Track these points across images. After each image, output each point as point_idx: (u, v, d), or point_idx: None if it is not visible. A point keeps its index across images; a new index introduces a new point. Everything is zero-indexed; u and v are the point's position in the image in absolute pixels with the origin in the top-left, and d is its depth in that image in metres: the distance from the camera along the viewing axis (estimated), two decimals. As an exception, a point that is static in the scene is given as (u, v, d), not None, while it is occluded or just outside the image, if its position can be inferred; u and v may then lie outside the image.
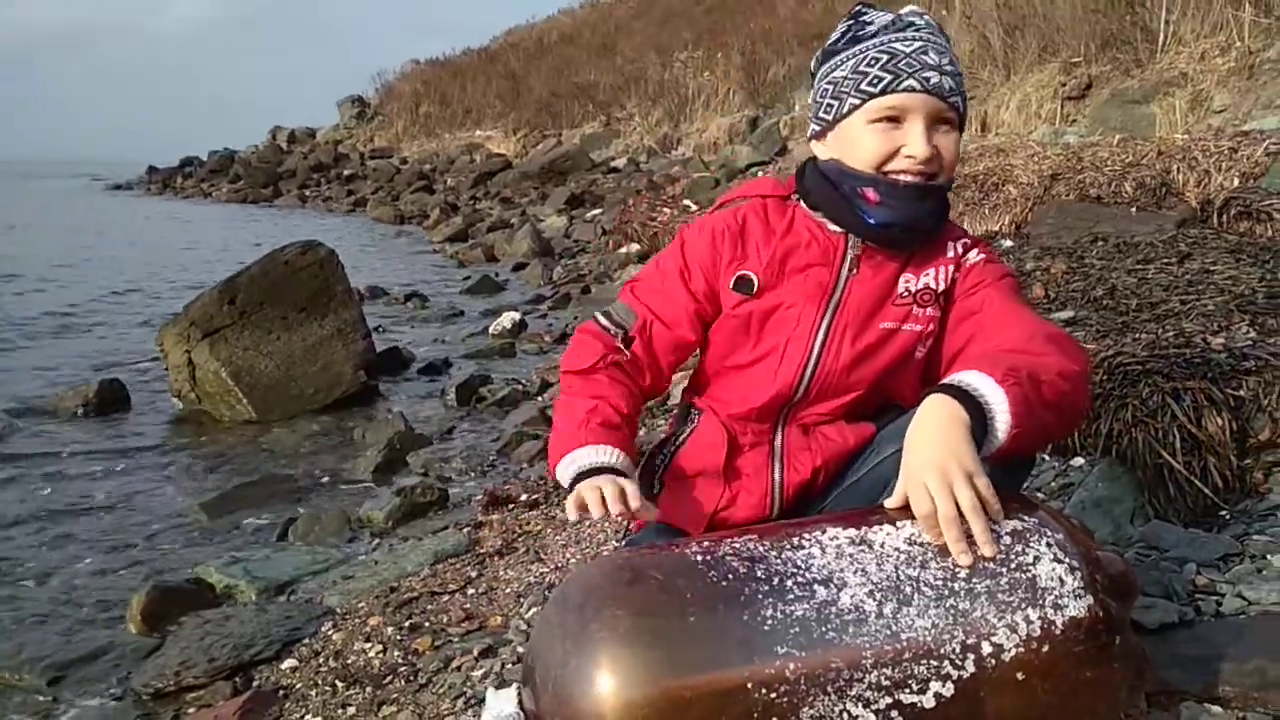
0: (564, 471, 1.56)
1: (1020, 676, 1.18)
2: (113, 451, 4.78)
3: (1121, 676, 1.25)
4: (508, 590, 2.65)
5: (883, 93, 1.53)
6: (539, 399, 5.07)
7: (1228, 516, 2.24)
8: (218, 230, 17.56)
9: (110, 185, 35.10)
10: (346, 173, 24.64)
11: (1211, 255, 3.80)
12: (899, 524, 1.28)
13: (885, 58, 1.53)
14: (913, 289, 1.62)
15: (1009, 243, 5.65)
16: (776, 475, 1.66)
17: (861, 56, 1.56)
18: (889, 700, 1.15)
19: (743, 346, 1.66)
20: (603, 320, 1.70)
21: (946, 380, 1.38)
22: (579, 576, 1.34)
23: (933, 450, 1.28)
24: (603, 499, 1.44)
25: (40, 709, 2.49)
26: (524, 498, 3.50)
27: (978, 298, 1.60)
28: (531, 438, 4.30)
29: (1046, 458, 2.76)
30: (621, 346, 1.66)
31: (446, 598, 2.66)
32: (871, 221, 1.57)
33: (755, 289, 1.62)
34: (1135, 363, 2.55)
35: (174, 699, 2.40)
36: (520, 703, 1.31)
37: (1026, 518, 1.30)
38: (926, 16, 1.60)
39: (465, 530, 3.26)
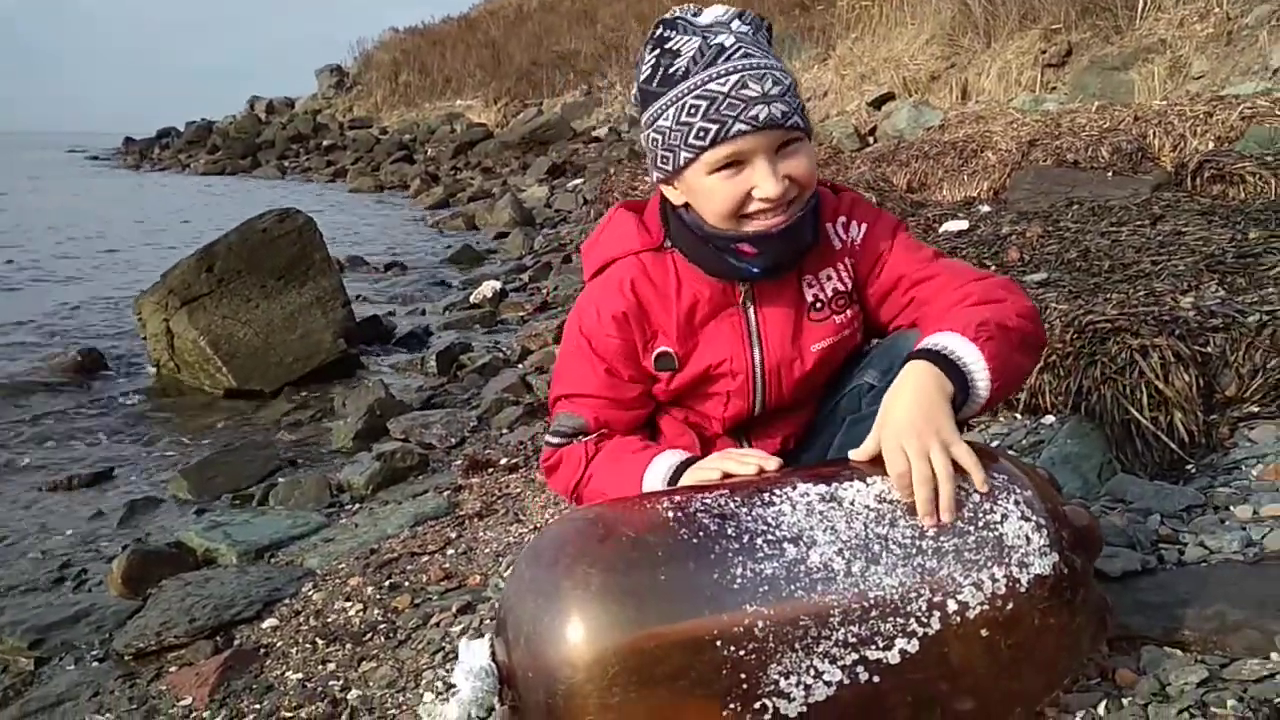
0: (652, 480, 1.53)
1: (984, 633, 1.21)
2: (92, 420, 4.78)
3: (1083, 627, 1.29)
4: (487, 550, 2.67)
5: (713, 144, 1.43)
6: (519, 366, 5.08)
7: (1194, 470, 2.29)
8: (194, 201, 17.41)
9: (88, 156, 34.72)
10: (326, 143, 24.48)
11: (1184, 217, 3.84)
12: (869, 480, 1.31)
13: (705, 104, 1.42)
14: (824, 297, 1.61)
15: (987, 208, 5.68)
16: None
17: (680, 104, 1.44)
18: (855, 656, 1.18)
19: (689, 399, 1.68)
20: (556, 440, 1.67)
21: (925, 345, 1.39)
22: (551, 532, 1.35)
23: (913, 415, 1.31)
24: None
25: (22, 672, 2.50)
26: (503, 461, 3.52)
27: (890, 268, 1.60)
28: (511, 404, 4.31)
29: (1019, 416, 2.81)
30: (593, 439, 1.64)
31: (426, 558, 2.68)
32: (755, 270, 1.54)
33: (678, 363, 1.62)
34: (1104, 321, 2.59)
35: (155, 658, 2.41)
36: (493, 654, 1.32)
37: (996, 475, 1.33)
38: (736, 22, 1.48)
39: (445, 494, 3.28)
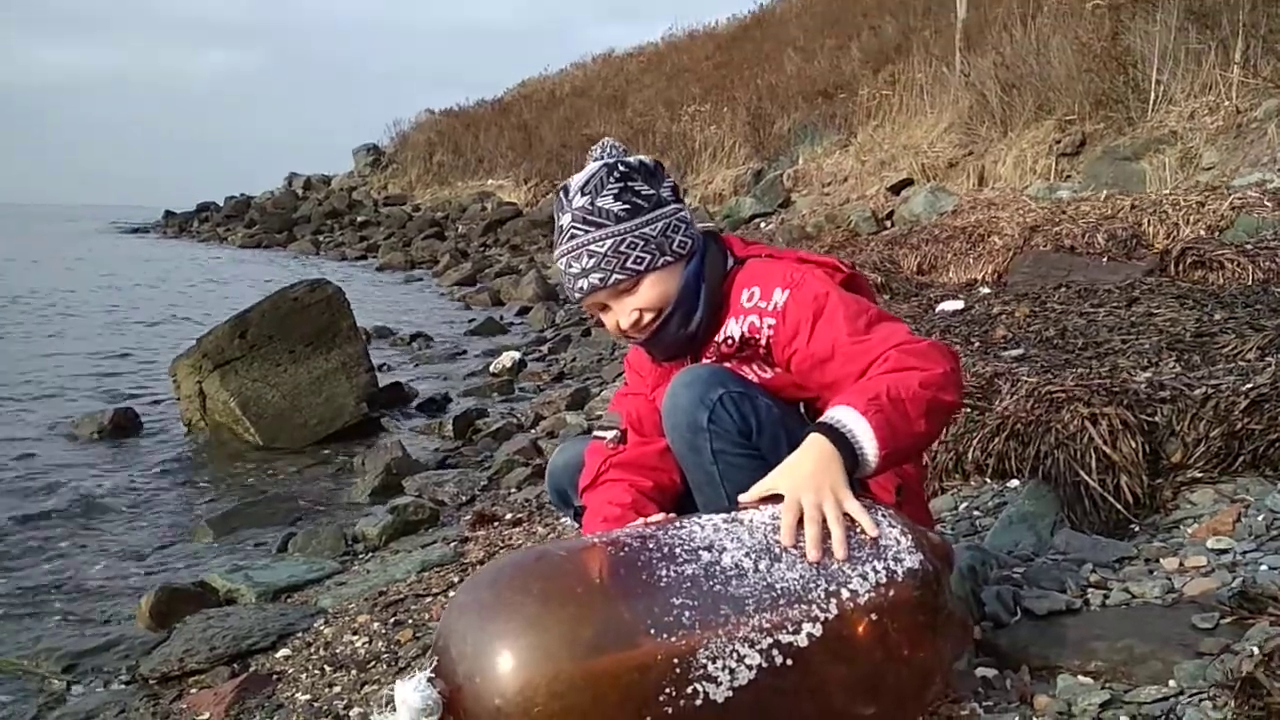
0: None
1: (874, 617, 1.42)
2: (125, 473, 5.05)
3: (950, 622, 1.52)
4: (486, 593, 2.87)
5: (575, 302, 1.92)
6: (532, 431, 5.32)
7: (1137, 529, 2.47)
8: (230, 271, 17.97)
9: (128, 229, 35.72)
10: (360, 219, 25.05)
11: (1159, 300, 4.05)
12: (762, 508, 1.55)
13: (561, 272, 1.88)
14: (724, 352, 1.85)
15: (987, 290, 5.91)
16: None
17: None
18: (770, 640, 1.38)
19: None
20: (598, 432, 2.01)
21: (823, 419, 1.63)
22: (489, 564, 1.58)
23: (812, 472, 1.55)
24: None
25: (55, 692, 2.73)
26: (508, 516, 3.73)
27: (820, 337, 1.73)
28: (521, 465, 4.54)
29: (987, 480, 3.00)
30: (615, 443, 1.95)
31: (430, 599, 2.89)
32: (662, 359, 1.92)
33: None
34: (1061, 392, 2.79)
35: (178, 682, 2.63)
36: (431, 683, 1.39)
37: (864, 500, 1.58)
38: (577, 195, 1.82)
39: (452, 544, 3.49)
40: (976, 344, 3.91)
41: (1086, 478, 2.55)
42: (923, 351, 1.67)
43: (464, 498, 4.28)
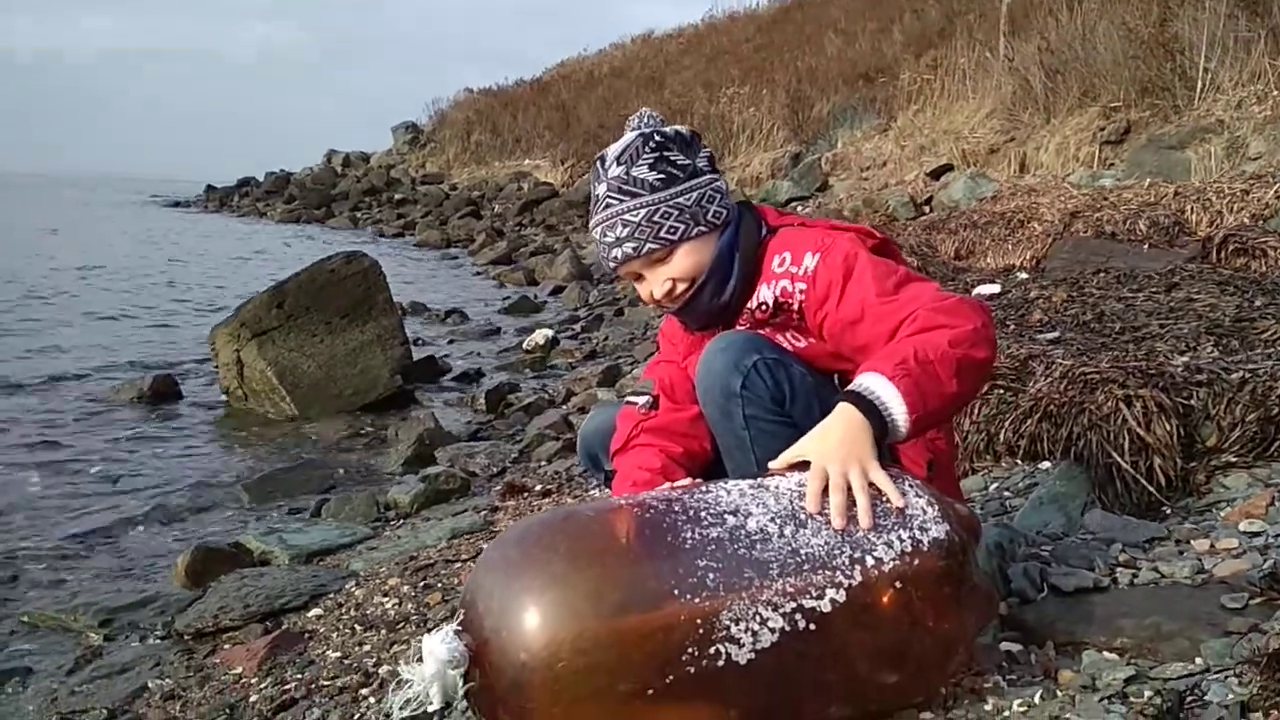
0: None
1: (898, 584, 1.43)
2: (164, 438, 5.14)
3: (974, 595, 1.52)
4: (514, 560, 2.91)
5: (610, 271, 1.94)
6: (563, 406, 5.35)
7: (1169, 512, 2.45)
8: (270, 243, 18.18)
9: (169, 202, 36.17)
10: (397, 196, 25.18)
11: (1198, 286, 4.00)
12: (788, 475, 1.56)
13: (596, 241, 1.91)
14: (758, 319, 1.85)
15: (1025, 275, 5.86)
16: None
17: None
18: (794, 605, 1.39)
19: None
20: (630, 397, 2.03)
21: (851, 386, 1.62)
22: (517, 522, 1.60)
23: (837, 444, 1.55)
24: None
25: (92, 645, 2.80)
26: (538, 488, 3.76)
27: (850, 300, 1.73)
28: (551, 439, 4.57)
29: (1019, 462, 2.98)
30: (647, 409, 1.96)
31: (459, 565, 2.92)
32: (694, 328, 1.94)
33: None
34: (1096, 374, 2.77)
35: (212, 638, 2.69)
36: (458, 636, 1.43)
37: (892, 469, 1.58)
38: (614, 165, 1.85)
39: (482, 513, 3.53)
40: (1012, 327, 3.88)
41: (1119, 459, 2.53)
42: (951, 308, 1.66)
43: (495, 469, 4.32)
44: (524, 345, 7.63)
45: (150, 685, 2.45)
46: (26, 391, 6.08)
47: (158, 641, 2.77)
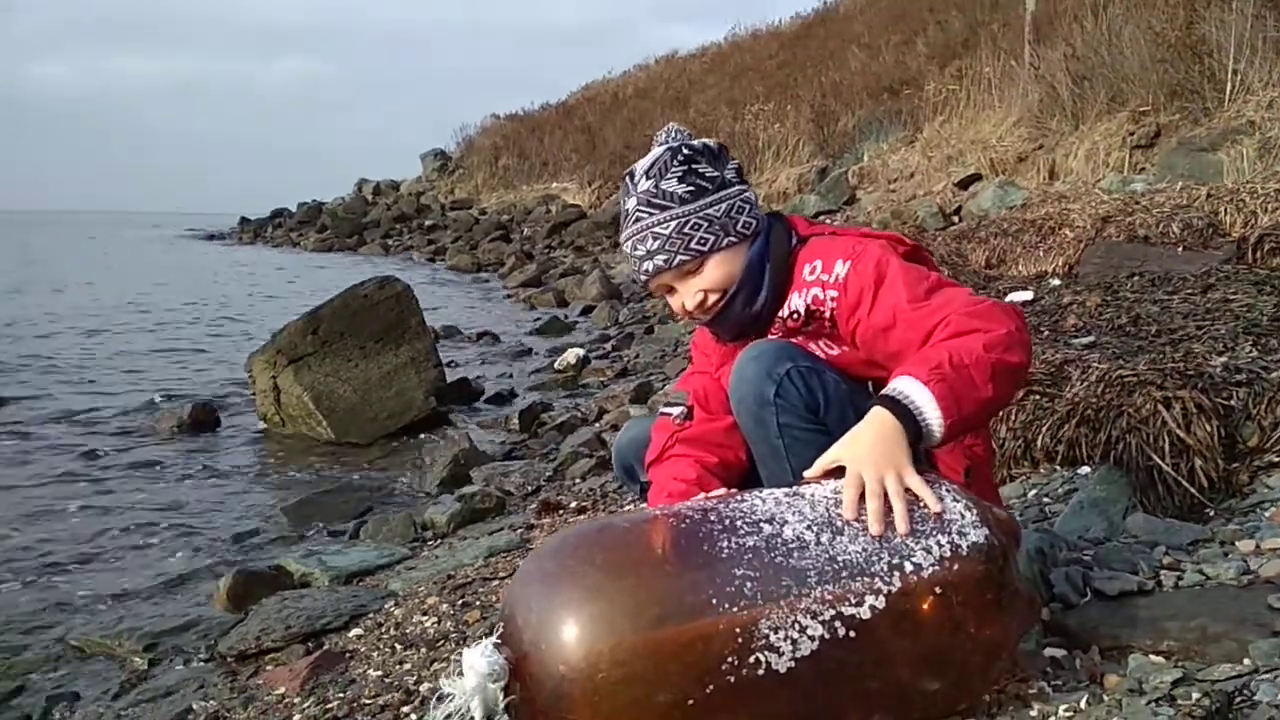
0: None
1: (938, 590, 1.41)
2: (204, 464, 5.22)
3: (1015, 599, 1.50)
4: (552, 577, 2.92)
5: (641, 284, 1.94)
6: (596, 425, 5.37)
7: (1212, 513, 2.42)
8: (302, 272, 18.40)
9: (205, 235, 36.70)
10: (428, 223, 25.39)
11: (1235, 287, 3.95)
12: (824, 483, 1.55)
13: (627, 255, 1.91)
14: (790, 327, 1.85)
15: (1057, 281, 5.81)
16: None
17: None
18: (833, 612, 1.38)
19: None
20: (664, 408, 2.03)
21: (885, 391, 1.62)
22: (554, 535, 1.60)
23: (872, 450, 1.54)
24: None
25: (137, 669, 2.84)
26: (573, 505, 3.77)
27: (882, 306, 1.72)
28: (585, 457, 4.58)
29: (1057, 467, 2.95)
30: (682, 420, 1.97)
31: (496, 583, 2.93)
32: (726, 339, 1.94)
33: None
34: (1133, 376, 2.74)
35: (254, 659, 2.71)
36: (498, 649, 1.44)
37: (929, 474, 1.57)
38: (643, 180, 1.85)
39: (519, 531, 3.54)
40: (1046, 332, 3.85)
41: (1160, 462, 2.50)
42: (985, 312, 1.66)
43: (529, 487, 4.33)
44: (555, 365, 7.66)
45: (195, 707, 2.47)
46: (69, 421, 6.19)
47: (201, 664, 2.80)
